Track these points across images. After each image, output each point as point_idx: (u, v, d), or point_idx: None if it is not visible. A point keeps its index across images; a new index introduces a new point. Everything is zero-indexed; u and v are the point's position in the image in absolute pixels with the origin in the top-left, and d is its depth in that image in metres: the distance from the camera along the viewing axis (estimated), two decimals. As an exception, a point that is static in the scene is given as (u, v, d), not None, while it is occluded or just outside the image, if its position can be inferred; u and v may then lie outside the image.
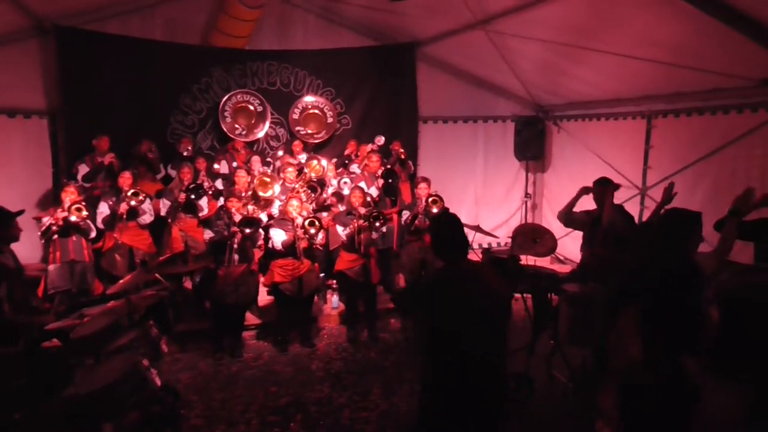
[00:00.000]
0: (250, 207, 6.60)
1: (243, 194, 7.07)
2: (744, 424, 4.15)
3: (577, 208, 5.86)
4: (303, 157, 8.33)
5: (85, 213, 6.28)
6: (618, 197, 5.86)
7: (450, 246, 3.25)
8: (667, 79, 6.74)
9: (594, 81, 7.86)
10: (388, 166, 8.08)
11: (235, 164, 8.14)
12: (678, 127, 7.33)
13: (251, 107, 8.69)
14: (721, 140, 6.58)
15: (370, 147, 8.42)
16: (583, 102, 8.90)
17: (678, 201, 6.92)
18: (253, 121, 8.67)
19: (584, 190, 5.74)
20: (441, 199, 6.84)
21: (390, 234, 7.49)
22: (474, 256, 8.12)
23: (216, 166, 8.09)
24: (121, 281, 4.84)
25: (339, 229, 6.84)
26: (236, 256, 6.15)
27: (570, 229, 8.02)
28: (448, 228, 3.29)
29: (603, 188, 5.61)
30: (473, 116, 10.03)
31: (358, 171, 8.32)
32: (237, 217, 6.21)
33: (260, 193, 7.09)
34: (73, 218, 6.20)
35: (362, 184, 7.72)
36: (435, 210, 6.77)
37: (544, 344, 5.43)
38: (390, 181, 7.73)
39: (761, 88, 5.87)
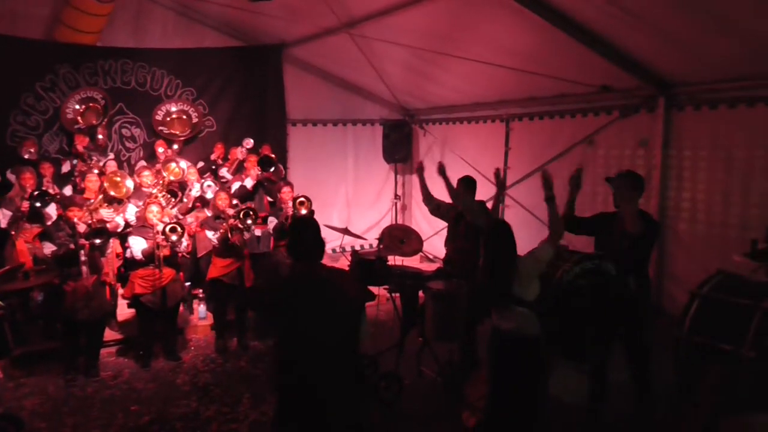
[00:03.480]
0: (104, 211, 6.12)
1: (92, 200, 6.54)
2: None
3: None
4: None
5: None
6: (480, 194, 6.11)
7: (302, 249, 3.29)
8: (521, 85, 7.16)
9: (455, 86, 8.18)
10: (268, 155, 7.92)
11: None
12: (533, 130, 7.82)
13: (97, 105, 8.06)
14: (570, 141, 7.12)
15: (239, 150, 8.16)
16: (446, 106, 9.23)
17: (535, 198, 7.42)
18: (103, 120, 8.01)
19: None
20: (309, 200, 6.78)
21: (266, 238, 7.29)
22: (344, 259, 8.19)
23: (64, 170, 7.40)
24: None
25: (209, 234, 6.54)
26: (84, 268, 5.68)
27: (437, 229, 8.35)
28: (302, 231, 3.34)
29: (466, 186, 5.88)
30: (342, 119, 10.08)
31: (228, 176, 8.04)
32: (81, 227, 5.72)
33: (112, 193, 6.61)
34: None
35: (239, 184, 7.52)
36: (304, 211, 6.72)
37: (413, 342, 5.52)
38: (272, 169, 7.57)
39: (600, 93, 6.41)
